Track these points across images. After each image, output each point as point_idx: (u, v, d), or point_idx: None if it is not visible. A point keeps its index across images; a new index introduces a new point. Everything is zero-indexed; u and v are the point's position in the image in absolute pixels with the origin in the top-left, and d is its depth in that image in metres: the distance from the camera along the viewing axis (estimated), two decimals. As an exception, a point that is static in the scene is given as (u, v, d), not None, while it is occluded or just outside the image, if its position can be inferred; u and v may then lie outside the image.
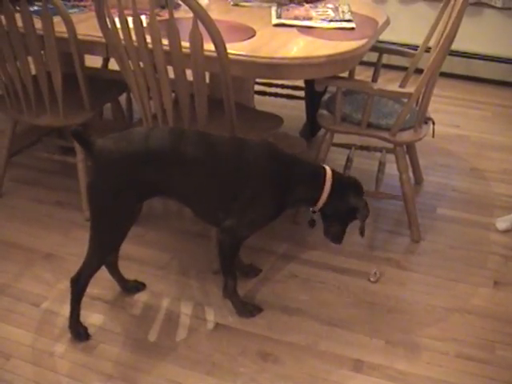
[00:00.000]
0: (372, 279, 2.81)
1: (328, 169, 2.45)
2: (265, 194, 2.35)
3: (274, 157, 2.39)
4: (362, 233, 2.49)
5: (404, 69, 3.27)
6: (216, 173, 2.31)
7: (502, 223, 3.22)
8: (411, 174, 3.37)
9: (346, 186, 2.47)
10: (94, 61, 3.60)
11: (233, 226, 2.37)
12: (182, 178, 2.29)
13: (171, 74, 2.47)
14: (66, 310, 2.44)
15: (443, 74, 4.24)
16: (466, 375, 2.32)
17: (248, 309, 2.58)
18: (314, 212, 2.51)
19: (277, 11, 3.03)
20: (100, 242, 2.32)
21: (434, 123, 3.07)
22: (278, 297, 2.68)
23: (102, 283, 2.64)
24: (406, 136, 2.94)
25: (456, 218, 3.28)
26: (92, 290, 2.52)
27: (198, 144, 2.29)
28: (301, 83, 3.94)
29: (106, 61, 4.01)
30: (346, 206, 2.45)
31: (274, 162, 2.37)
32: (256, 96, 3.72)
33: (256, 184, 2.32)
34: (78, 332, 2.42)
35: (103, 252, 2.37)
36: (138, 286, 2.70)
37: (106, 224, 2.29)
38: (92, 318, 2.52)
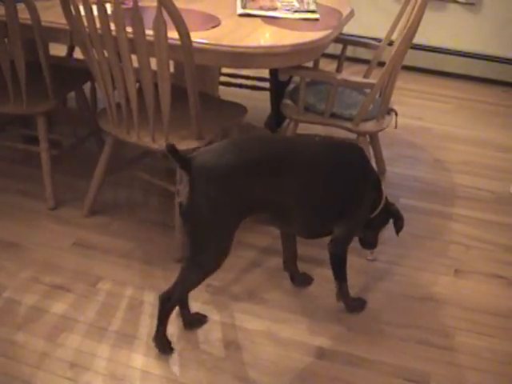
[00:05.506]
0: (369, 258, 2.86)
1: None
2: (365, 199, 2.40)
3: (366, 161, 2.43)
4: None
5: (369, 62, 3.30)
6: (322, 183, 2.27)
7: None
8: (374, 165, 3.40)
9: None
10: (58, 49, 3.57)
11: (344, 236, 2.40)
12: (288, 190, 2.22)
13: (135, 64, 2.46)
14: (27, 299, 2.43)
15: (406, 68, 4.29)
16: (428, 361, 2.36)
17: (359, 303, 2.60)
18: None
19: (242, 1, 3.03)
20: (200, 263, 2.20)
21: (396, 114, 3.10)
22: (242, 286, 2.69)
23: (64, 272, 2.64)
24: (368, 126, 2.98)
25: (418, 207, 3.31)
26: (55, 278, 2.52)
27: (295, 152, 2.25)
28: (266, 74, 3.95)
29: (70, 49, 3.97)
30: (388, 213, 2.53)
31: (367, 167, 2.41)
32: (221, 87, 3.72)
33: (360, 189, 2.36)
34: (163, 346, 2.34)
35: (202, 273, 2.24)
36: (201, 319, 2.51)
37: (209, 245, 2.16)
38: (55, 306, 2.51)
